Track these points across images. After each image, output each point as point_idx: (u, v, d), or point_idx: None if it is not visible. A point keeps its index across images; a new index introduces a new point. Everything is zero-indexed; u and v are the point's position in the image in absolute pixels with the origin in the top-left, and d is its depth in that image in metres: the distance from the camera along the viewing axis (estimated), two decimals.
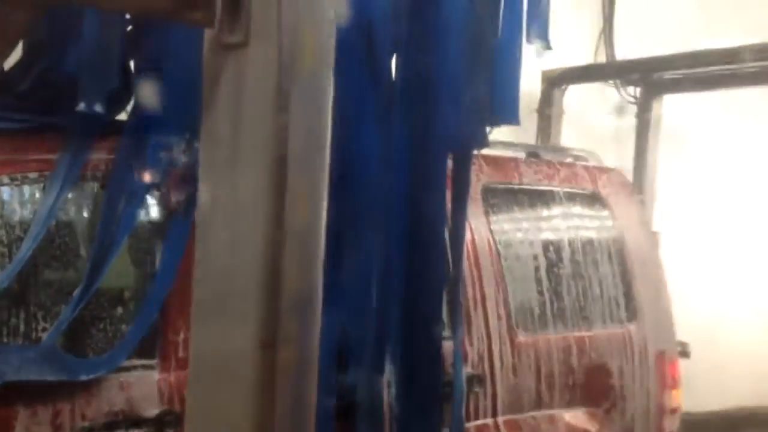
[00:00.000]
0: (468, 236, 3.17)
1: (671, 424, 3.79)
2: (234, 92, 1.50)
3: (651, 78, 6.59)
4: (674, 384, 3.80)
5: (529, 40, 3.05)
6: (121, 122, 2.74)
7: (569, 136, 6.33)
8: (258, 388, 1.27)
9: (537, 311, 3.47)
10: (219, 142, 1.51)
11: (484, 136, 2.97)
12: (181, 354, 2.66)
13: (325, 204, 1.39)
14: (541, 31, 3.06)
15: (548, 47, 3.03)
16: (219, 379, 1.35)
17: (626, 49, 6.52)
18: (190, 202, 2.65)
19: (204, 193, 1.53)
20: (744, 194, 7.05)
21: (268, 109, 1.46)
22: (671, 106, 6.67)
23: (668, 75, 6.63)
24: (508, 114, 2.97)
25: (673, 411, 3.80)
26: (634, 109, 6.64)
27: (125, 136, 2.64)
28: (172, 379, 2.65)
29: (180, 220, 2.68)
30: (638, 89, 6.68)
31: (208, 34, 1.56)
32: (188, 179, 2.64)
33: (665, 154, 6.56)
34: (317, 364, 1.34)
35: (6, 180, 2.53)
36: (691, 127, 6.77)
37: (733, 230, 7.01)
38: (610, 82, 6.56)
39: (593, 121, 6.58)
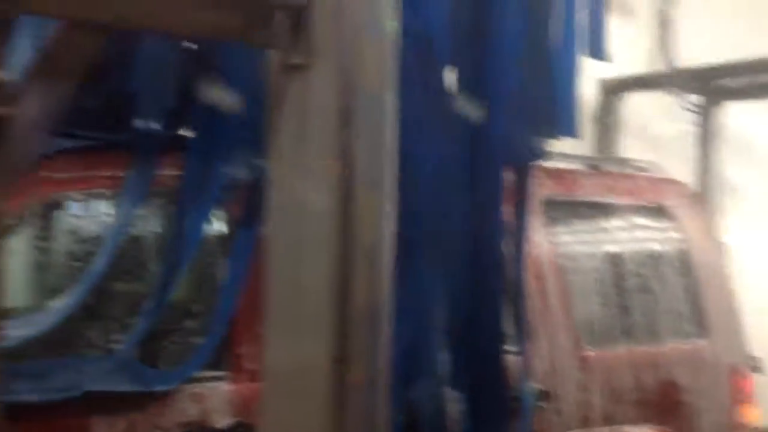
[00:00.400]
0: (530, 250, 3.14)
1: None
2: (299, 111, 1.53)
3: (712, 86, 6.47)
4: (747, 400, 3.70)
5: (586, 52, 3.03)
6: (188, 138, 2.80)
7: (628, 145, 6.24)
8: (330, 403, 1.29)
9: (603, 326, 3.43)
10: (286, 159, 1.54)
11: (544, 148, 2.95)
12: (249, 366, 2.70)
13: (392, 219, 1.40)
14: (598, 41, 3.03)
15: (606, 58, 3.00)
16: (292, 393, 1.37)
17: (684, 56, 6.41)
18: (254, 217, 2.69)
19: (272, 210, 1.56)
20: None
21: (333, 127, 1.48)
22: (733, 114, 6.53)
23: (730, 83, 6.51)
24: (568, 126, 2.95)
25: (746, 427, 3.70)
26: (693, 117, 6.53)
27: (190, 152, 2.70)
28: (242, 390, 2.69)
29: (244, 234, 2.72)
30: (698, 97, 6.56)
31: (272, 55, 1.59)
32: (251, 194, 2.68)
33: (728, 163, 6.43)
34: (388, 379, 1.35)
35: (78, 196, 2.61)
36: (755, 135, 6.63)
37: None
38: (669, 90, 6.45)
39: (652, 130, 6.48)
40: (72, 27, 1.46)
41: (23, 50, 1.53)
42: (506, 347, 2.93)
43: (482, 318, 2.83)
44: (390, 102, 1.51)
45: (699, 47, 6.29)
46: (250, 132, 2.45)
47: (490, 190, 2.83)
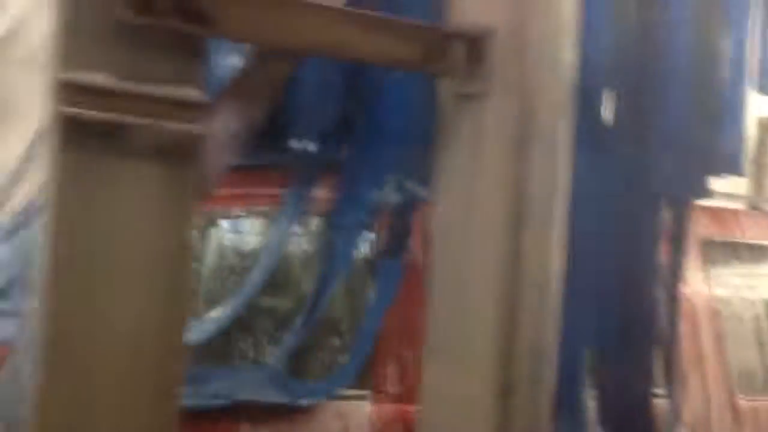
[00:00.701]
0: (685, 292, 3.03)
1: None
2: (472, 140, 1.53)
3: None
4: None
5: (755, 87, 2.91)
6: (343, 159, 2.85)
7: None
8: None
9: (760, 375, 3.26)
10: (455, 187, 1.55)
11: (705, 185, 2.83)
12: (390, 387, 2.73)
13: (563, 254, 1.39)
14: (766, 77, 2.91)
15: None
16: (450, 423, 1.37)
17: None
18: (400, 242, 2.73)
19: (438, 237, 1.56)
20: None
21: (507, 159, 1.48)
22: None
23: None
24: (732, 163, 2.83)
25: None
26: None
27: (345, 173, 2.75)
28: (382, 411, 2.71)
29: (390, 258, 2.75)
30: None
31: (445, 83, 1.61)
32: (399, 219, 2.71)
33: None
34: (550, 416, 1.33)
35: (240, 212, 2.71)
36: None
37: None
38: None
39: None
40: (265, 52, 1.52)
41: (216, 71, 1.61)
42: (656, 392, 2.83)
43: (633, 360, 2.75)
44: (565, 133, 1.50)
45: None
46: (405, 157, 2.48)
47: (646, 229, 2.75)
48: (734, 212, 3.46)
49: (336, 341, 2.78)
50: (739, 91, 2.86)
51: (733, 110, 2.85)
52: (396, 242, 2.76)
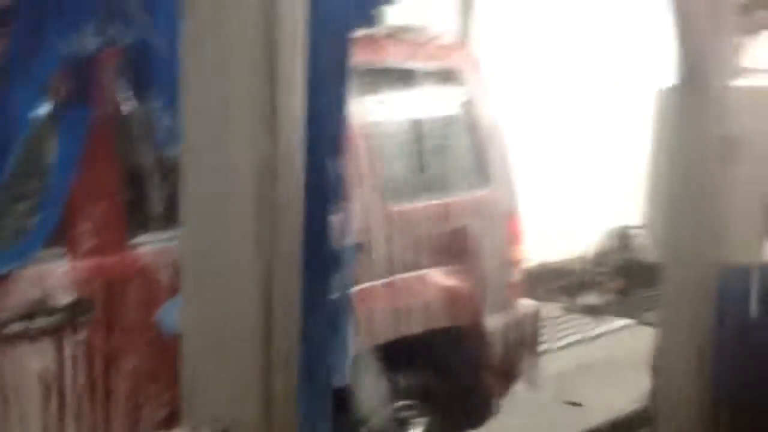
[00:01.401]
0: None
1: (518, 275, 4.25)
2: None
3: None
4: (519, 240, 4.24)
5: None
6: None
7: None
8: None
9: (404, 183, 3.74)
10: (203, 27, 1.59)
11: (369, 15, 3.01)
12: (84, 244, 2.72)
13: None
14: None
15: None
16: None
17: None
18: (84, 93, 2.65)
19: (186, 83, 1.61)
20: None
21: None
22: None
23: None
24: None
25: (519, 263, 4.26)
26: None
27: (20, 23, 2.53)
28: (80, 267, 2.71)
29: (75, 113, 2.66)
30: None
31: None
32: (83, 69, 2.61)
33: None
34: None
35: None
36: None
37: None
38: None
39: None
40: None
41: None
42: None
43: (316, 180, 2.99)
44: None
45: None
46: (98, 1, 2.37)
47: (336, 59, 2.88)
48: (375, 38, 3.78)
49: (23, 205, 2.67)
50: None
51: None
52: (79, 94, 2.66)
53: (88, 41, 2.49)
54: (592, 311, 6.79)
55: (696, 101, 2.98)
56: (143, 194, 2.92)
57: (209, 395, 1.62)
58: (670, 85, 3.08)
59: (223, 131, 1.57)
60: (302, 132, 1.71)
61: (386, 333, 3.57)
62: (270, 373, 1.59)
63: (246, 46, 1.51)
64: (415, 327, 3.67)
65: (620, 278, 7.08)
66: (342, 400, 3.04)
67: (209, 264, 1.63)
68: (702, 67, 2.96)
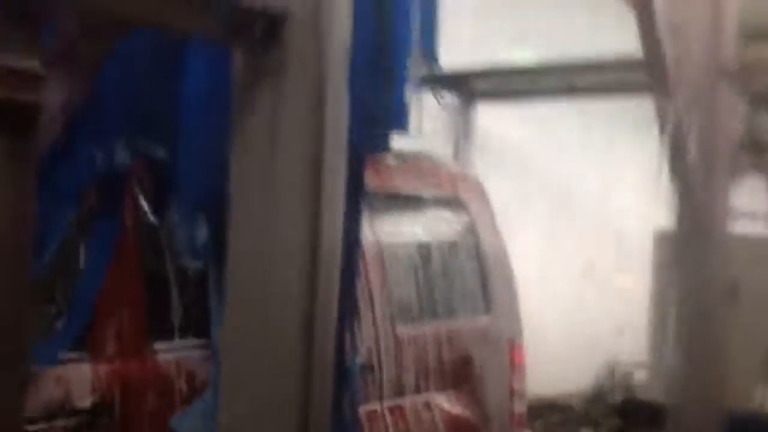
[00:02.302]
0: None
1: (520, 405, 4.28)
2: (270, 107, 1.72)
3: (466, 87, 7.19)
4: (521, 369, 4.30)
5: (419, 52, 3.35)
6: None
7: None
8: None
9: (413, 306, 3.83)
10: (254, 151, 1.73)
11: (383, 141, 3.16)
12: (108, 348, 2.79)
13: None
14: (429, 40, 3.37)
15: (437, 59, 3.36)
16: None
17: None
18: (115, 204, 2.78)
19: (237, 202, 1.74)
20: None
21: (304, 123, 1.70)
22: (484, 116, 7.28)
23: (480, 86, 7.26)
24: (398, 120, 3.20)
25: (520, 393, 4.29)
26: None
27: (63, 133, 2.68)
28: (102, 370, 2.76)
29: (106, 222, 2.78)
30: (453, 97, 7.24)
31: (240, 55, 1.77)
32: (114, 181, 2.75)
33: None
34: None
35: None
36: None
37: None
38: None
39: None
40: (88, 25, 1.55)
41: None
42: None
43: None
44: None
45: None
46: (138, 115, 2.53)
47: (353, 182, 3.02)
48: (387, 165, 3.97)
49: (51, 308, 2.74)
50: (404, 56, 3.27)
51: (400, 73, 3.25)
52: (110, 204, 2.79)
53: (119, 155, 2.63)
54: None
55: (697, 247, 3.10)
56: (164, 303, 3.01)
57: None
58: (669, 230, 3.22)
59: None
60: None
61: None
62: None
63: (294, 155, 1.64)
64: None
65: (617, 418, 7.06)
66: None
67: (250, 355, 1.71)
68: (702, 215, 3.10)
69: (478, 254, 4.19)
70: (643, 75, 6.10)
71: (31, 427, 2.56)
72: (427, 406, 3.79)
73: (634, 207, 8.29)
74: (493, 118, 7.29)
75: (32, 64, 1.35)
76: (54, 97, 1.49)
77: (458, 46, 6.86)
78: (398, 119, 3.23)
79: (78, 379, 2.71)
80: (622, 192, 8.49)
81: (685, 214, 3.08)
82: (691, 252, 3.11)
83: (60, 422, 2.63)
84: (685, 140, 3.04)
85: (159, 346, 2.95)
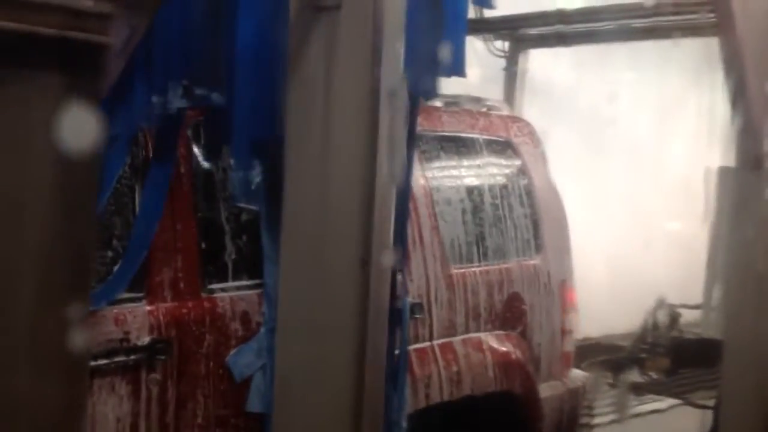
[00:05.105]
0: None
1: (569, 345, 4.29)
2: (326, 48, 1.72)
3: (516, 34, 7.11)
4: (573, 309, 4.30)
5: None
6: None
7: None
8: None
9: (464, 248, 3.84)
10: (310, 94, 1.72)
11: (436, 87, 3.16)
12: (163, 291, 2.84)
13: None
14: None
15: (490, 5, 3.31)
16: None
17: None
18: (170, 150, 2.82)
19: (292, 148, 1.73)
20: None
21: (362, 65, 1.68)
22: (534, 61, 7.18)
23: (532, 31, 7.17)
24: (456, 67, 3.18)
25: (571, 333, 4.30)
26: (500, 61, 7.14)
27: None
28: (158, 312, 2.82)
29: (159, 166, 2.82)
30: (506, 43, 7.17)
31: None
32: (169, 127, 2.77)
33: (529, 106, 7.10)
34: None
35: None
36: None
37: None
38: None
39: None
40: None
41: None
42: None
43: None
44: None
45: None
46: (191, 62, 2.54)
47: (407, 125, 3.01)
48: (439, 109, 3.95)
49: (109, 250, 2.80)
50: (459, 5, 3.24)
51: (457, 18, 3.22)
52: (165, 149, 2.82)
53: (174, 99, 2.64)
54: (636, 389, 6.74)
55: (757, 185, 3.05)
56: (218, 245, 3.05)
57: None
58: (730, 165, 3.16)
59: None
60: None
61: (441, 394, 3.62)
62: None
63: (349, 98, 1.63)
64: (469, 390, 3.72)
65: (665, 357, 7.04)
66: None
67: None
68: (763, 151, 3.04)
69: (529, 196, 4.16)
70: (695, 16, 5.95)
71: (92, 363, 2.64)
72: (478, 344, 3.81)
73: (686, 150, 8.15)
74: (544, 63, 7.19)
75: (101, 4, 1.35)
76: (115, 38, 1.49)
77: None
78: (455, 65, 3.21)
79: (136, 319, 2.78)
80: (674, 135, 8.33)
81: (746, 151, 3.02)
82: (750, 189, 3.06)
83: (120, 358, 2.71)
84: (747, 77, 2.97)
85: (213, 286, 3.00)
